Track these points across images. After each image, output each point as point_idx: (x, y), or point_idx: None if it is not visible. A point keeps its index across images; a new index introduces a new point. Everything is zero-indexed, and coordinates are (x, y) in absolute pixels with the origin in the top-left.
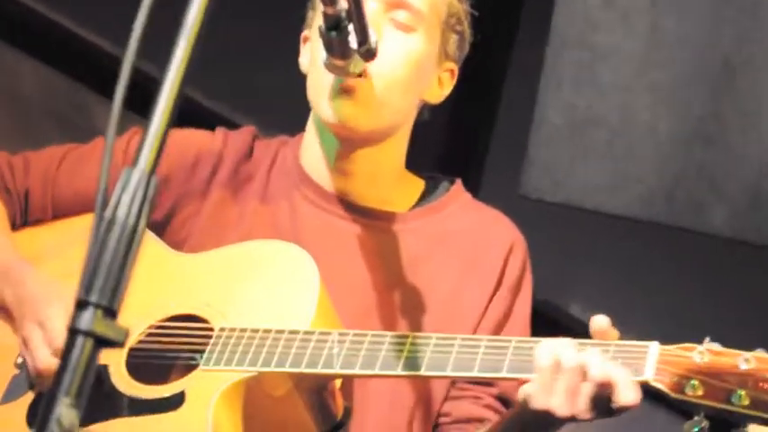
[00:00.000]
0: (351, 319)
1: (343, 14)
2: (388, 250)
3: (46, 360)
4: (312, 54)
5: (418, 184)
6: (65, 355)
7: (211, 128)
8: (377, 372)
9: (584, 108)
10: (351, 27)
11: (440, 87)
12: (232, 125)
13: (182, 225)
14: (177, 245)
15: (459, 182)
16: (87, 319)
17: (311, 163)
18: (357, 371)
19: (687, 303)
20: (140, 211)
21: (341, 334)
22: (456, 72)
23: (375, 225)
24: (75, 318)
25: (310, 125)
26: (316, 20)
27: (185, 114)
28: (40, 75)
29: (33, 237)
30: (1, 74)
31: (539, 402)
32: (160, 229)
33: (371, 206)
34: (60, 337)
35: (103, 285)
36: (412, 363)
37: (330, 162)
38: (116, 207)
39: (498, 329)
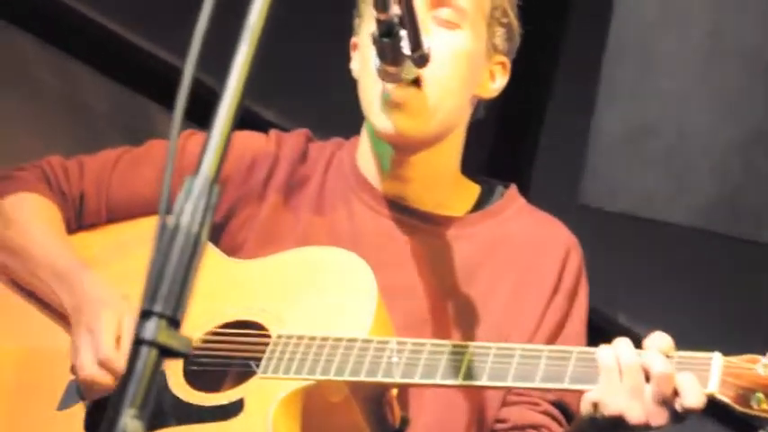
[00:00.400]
0: (406, 325)
1: (396, 20)
2: (444, 255)
3: (89, 368)
4: (362, 60)
5: (474, 189)
6: (129, 365)
7: (263, 131)
8: (437, 381)
9: (642, 117)
10: (403, 33)
11: (492, 81)
12: (283, 129)
13: (239, 228)
14: (234, 248)
15: (514, 186)
16: (152, 330)
17: (367, 166)
18: (417, 380)
19: (745, 314)
20: (204, 219)
21: (399, 342)
22: (508, 65)
23: (432, 230)
24: (139, 328)
25: (364, 131)
26: (363, 26)
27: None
28: (104, 86)
29: (88, 240)
30: (65, 84)
31: (609, 408)
32: (218, 232)
33: (428, 210)
34: (106, 347)
35: (167, 295)
36: (472, 373)
37: (385, 168)
38: (179, 215)
39: (555, 335)
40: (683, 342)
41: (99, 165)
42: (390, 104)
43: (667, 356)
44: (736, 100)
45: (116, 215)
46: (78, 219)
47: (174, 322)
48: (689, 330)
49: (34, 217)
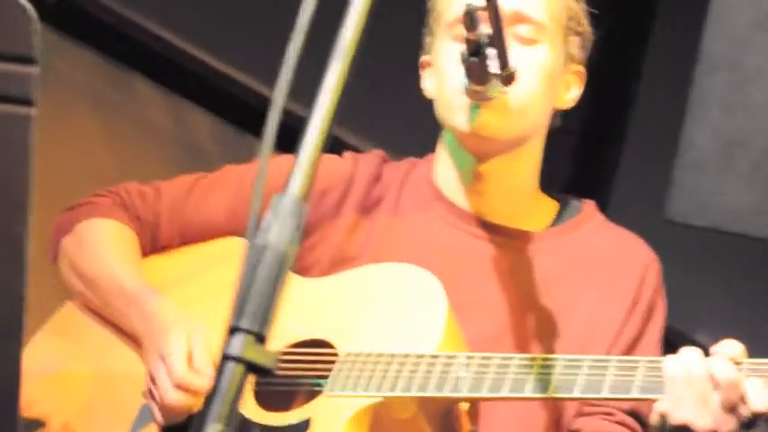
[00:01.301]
0: (484, 340)
1: (484, 40)
2: (524, 270)
3: (172, 396)
4: (441, 77)
5: (552, 205)
6: (216, 380)
7: (337, 153)
8: (505, 394)
9: (732, 130)
10: (490, 52)
11: (567, 91)
12: (356, 150)
13: (311, 249)
14: (306, 268)
15: (592, 202)
16: (238, 345)
17: (445, 182)
18: (485, 394)
19: None
20: (292, 237)
21: (468, 357)
22: (583, 73)
23: (511, 244)
24: (226, 343)
25: (442, 146)
26: (436, 43)
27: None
28: (173, 106)
29: (162, 264)
30: (133, 102)
31: (675, 417)
32: None
33: (507, 225)
34: (179, 369)
35: (255, 312)
36: (540, 384)
37: (465, 181)
38: (267, 233)
39: (630, 351)
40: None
41: (174, 190)
42: (476, 104)
43: (737, 363)
44: None
45: (190, 240)
46: (153, 243)
47: (261, 338)
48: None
49: (108, 243)
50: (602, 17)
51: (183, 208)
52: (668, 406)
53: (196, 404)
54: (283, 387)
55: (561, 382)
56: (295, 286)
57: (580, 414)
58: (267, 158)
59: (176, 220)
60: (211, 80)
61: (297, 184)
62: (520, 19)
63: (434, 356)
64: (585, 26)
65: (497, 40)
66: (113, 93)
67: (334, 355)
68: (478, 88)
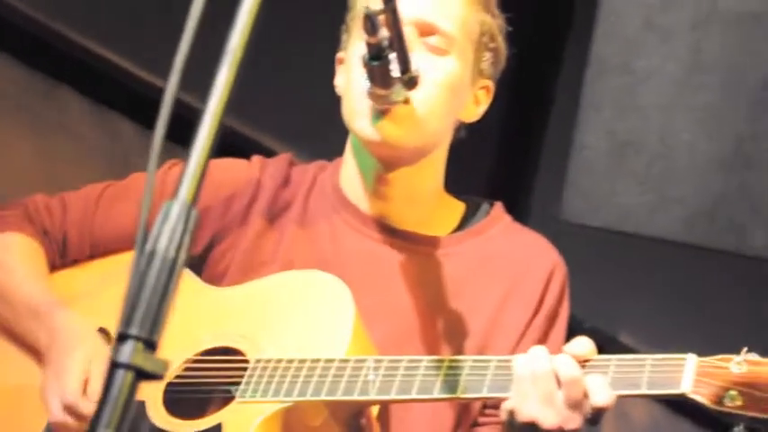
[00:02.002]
0: (392, 345)
1: (386, 43)
2: (429, 275)
3: (57, 413)
4: (349, 76)
5: (458, 207)
6: (105, 388)
7: (247, 155)
8: (413, 396)
9: (624, 131)
10: (393, 56)
11: (476, 105)
12: (268, 152)
13: (221, 257)
14: (217, 277)
15: (499, 204)
16: (127, 352)
17: (350, 187)
18: (393, 396)
19: (728, 324)
20: (181, 243)
21: (376, 360)
22: (492, 89)
23: (416, 249)
24: (115, 351)
25: (348, 149)
26: (351, 42)
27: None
28: (101, 116)
29: (71, 277)
30: (61, 114)
31: (522, 414)
32: (200, 262)
33: (412, 230)
34: (71, 392)
35: (144, 318)
36: (448, 386)
37: (369, 186)
38: (156, 240)
39: None
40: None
41: (82, 201)
42: (380, 112)
43: (586, 361)
44: (717, 114)
45: (100, 250)
46: (62, 256)
47: (151, 345)
48: (677, 342)
49: (15, 258)
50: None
51: (92, 220)
52: (515, 403)
53: (82, 428)
54: (195, 395)
55: (470, 383)
56: (205, 296)
57: (477, 425)
58: (155, 166)
59: (85, 232)
60: (139, 90)
61: (185, 190)
62: (430, 30)
63: (343, 361)
64: (500, 42)
65: (397, 43)
66: (41, 105)
67: (245, 361)
68: (381, 92)
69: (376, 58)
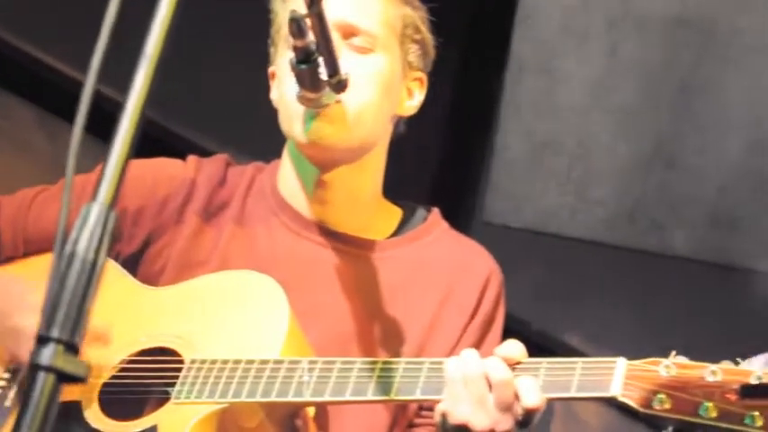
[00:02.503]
0: (328, 347)
1: (313, 47)
2: (367, 278)
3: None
4: (280, 87)
5: (396, 213)
6: (27, 391)
7: (183, 156)
8: (347, 398)
9: (543, 132)
10: (321, 60)
11: (410, 98)
12: (204, 152)
13: (157, 256)
14: (153, 276)
15: (436, 211)
16: (48, 355)
17: (289, 190)
18: (327, 398)
19: (651, 324)
20: (100, 245)
21: (310, 362)
22: (425, 80)
23: (354, 252)
24: (36, 353)
25: (286, 154)
26: (278, 55)
27: (154, 140)
28: (45, 123)
29: (2, 272)
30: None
31: (454, 417)
32: (135, 261)
33: (350, 233)
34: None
35: (64, 320)
36: (382, 387)
37: (308, 190)
38: (76, 242)
39: None
40: (594, 353)
41: (17, 202)
42: (313, 114)
43: (517, 363)
44: (636, 115)
45: (33, 250)
46: None
47: (72, 347)
48: (600, 340)
49: None
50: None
51: (26, 220)
52: (448, 406)
53: None
54: (130, 396)
55: (403, 385)
56: (139, 296)
57: (412, 425)
58: (73, 166)
59: (19, 232)
60: (76, 91)
61: (104, 193)
62: (351, 30)
63: (278, 362)
64: (424, 33)
65: (324, 46)
66: None
67: (180, 362)
68: (311, 95)
69: (304, 61)
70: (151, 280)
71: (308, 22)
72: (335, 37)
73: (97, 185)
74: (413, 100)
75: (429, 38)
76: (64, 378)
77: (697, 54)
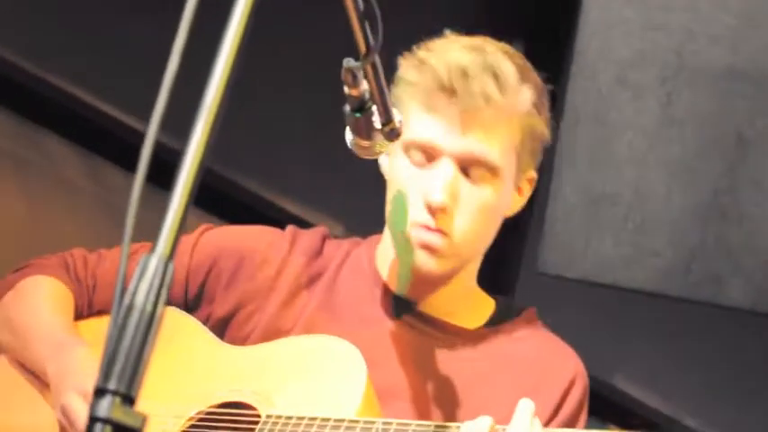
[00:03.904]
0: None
1: (367, 96)
2: (448, 363)
3: (76, 401)
4: (393, 165)
5: (489, 304)
6: None
7: (282, 226)
8: None
9: (599, 184)
10: (374, 108)
11: (519, 196)
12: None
13: (246, 321)
14: (240, 340)
15: (533, 309)
16: (105, 407)
17: (386, 266)
18: None
19: (708, 376)
20: (158, 297)
21: (385, 423)
22: (535, 178)
23: (441, 338)
24: (93, 405)
25: (387, 233)
26: (393, 151)
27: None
28: (89, 164)
29: (91, 326)
30: (49, 162)
31: None
32: (224, 324)
33: (440, 317)
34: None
35: (122, 372)
36: None
37: (405, 277)
38: (134, 294)
39: None
40: (655, 404)
41: (116, 255)
42: (421, 246)
43: None
44: (691, 166)
45: None
46: (90, 306)
47: (129, 399)
48: (657, 393)
49: (44, 297)
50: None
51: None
52: None
53: None
54: None
55: None
56: (219, 352)
57: None
58: (134, 214)
59: (112, 286)
60: (126, 137)
61: (163, 245)
62: (472, 161)
63: (354, 421)
64: (545, 135)
65: (378, 95)
66: (29, 153)
67: (256, 416)
68: (365, 143)
69: (359, 110)
70: (240, 343)
71: (363, 71)
72: (455, 171)
73: (156, 237)
74: (522, 197)
75: (547, 131)
76: (120, 430)
77: (752, 105)
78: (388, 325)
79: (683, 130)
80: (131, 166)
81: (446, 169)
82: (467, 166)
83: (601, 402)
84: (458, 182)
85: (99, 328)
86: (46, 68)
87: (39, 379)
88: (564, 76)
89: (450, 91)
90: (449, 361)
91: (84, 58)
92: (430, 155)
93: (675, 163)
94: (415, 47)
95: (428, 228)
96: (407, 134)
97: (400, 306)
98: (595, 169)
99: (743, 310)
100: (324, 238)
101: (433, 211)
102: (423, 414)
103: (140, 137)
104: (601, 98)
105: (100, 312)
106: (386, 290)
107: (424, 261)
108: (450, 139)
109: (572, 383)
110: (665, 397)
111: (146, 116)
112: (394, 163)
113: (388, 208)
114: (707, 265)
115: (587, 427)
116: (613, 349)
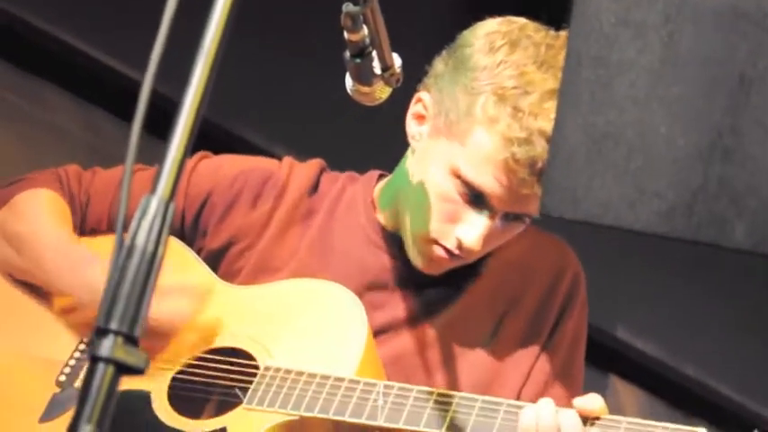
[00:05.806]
0: (395, 360)
1: (367, 41)
2: (448, 304)
3: None
4: (428, 187)
5: None
6: (86, 382)
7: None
8: (421, 428)
9: (601, 125)
10: (372, 53)
11: None
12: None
13: (238, 256)
14: (231, 275)
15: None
16: (108, 347)
17: (391, 221)
18: (401, 425)
19: (707, 318)
20: (159, 238)
21: (386, 386)
22: None
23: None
24: (95, 345)
25: (398, 190)
26: (441, 136)
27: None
28: (82, 111)
29: (89, 245)
30: (43, 109)
31: None
32: (217, 258)
33: None
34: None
35: (123, 313)
36: (457, 424)
37: (409, 245)
38: (135, 235)
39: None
40: (652, 349)
41: (110, 176)
42: (446, 253)
43: (596, 418)
44: (694, 106)
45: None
46: (82, 223)
47: (131, 339)
48: (656, 335)
49: (44, 208)
50: None
51: (115, 193)
52: None
53: None
54: (199, 393)
55: (478, 424)
56: (218, 291)
57: None
58: (134, 155)
59: (106, 204)
60: (120, 84)
61: (163, 186)
62: (521, 207)
63: (354, 381)
64: None
65: (377, 40)
66: (24, 102)
67: (254, 366)
68: (365, 89)
69: (359, 55)
70: (230, 277)
71: (363, 16)
72: (497, 203)
73: (156, 179)
74: None
75: None
76: (123, 370)
77: (755, 45)
78: (384, 265)
79: (685, 69)
80: (127, 116)
81: (489, 223)
82: (516, 219)
83: (595, 345)
84: (493, 226)
85: (95, 247)
86: (43, 18)
87: (40, 296)
88: (565, 17)
89: (531, 169)
90: (448, 299)
91: (81, 7)
92: (480, 200)
93: (678, 103)
94: (493, 34)
95: (450, 254)
96: (466, 161)
97: (394, 244)
98: (597, 110)
99: (746, 251)
100: (321, 171)
101: (462, 249)
102: (420, 351)
103: (136, 85)
104: (603, 38)
105: (93, 231)
106: (380, 230)
107: (434, 268)
108: (507, 204)
109: (557, 277)
110: (663, 342)
111: (142, 65)
112: (433, 159)
113: (412, 197)
114: (709, 207)
115: (587, 376)
116: (613, 291)
